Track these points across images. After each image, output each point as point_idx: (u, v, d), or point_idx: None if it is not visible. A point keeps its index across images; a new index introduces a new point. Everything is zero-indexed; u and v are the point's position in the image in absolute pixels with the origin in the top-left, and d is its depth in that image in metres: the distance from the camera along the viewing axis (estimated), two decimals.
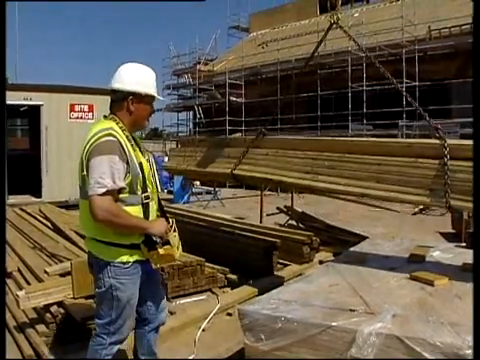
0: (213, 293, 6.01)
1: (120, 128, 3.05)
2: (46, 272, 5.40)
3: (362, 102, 20.58)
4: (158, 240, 3.04)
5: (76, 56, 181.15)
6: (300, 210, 10.26)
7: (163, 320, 3.53)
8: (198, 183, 20.70)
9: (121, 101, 3.10)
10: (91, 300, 4.35)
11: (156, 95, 3.21)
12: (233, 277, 6.44)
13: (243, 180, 5.54)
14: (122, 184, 2.92)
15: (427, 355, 2.60)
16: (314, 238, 7.26)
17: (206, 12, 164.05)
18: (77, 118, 15.24)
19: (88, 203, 2.89)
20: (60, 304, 4.55)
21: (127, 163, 2.96)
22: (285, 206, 10.73)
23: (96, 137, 2.95)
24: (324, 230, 8.85)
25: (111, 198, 2.87)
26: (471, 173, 3.47)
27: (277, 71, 24.16)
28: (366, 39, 20.63)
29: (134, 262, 3.05)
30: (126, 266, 3.02)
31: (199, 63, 28.49)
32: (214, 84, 27.46)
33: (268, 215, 11.13)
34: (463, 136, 18.00)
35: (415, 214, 13.17)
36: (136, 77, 3.10)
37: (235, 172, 5.36)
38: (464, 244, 5.88)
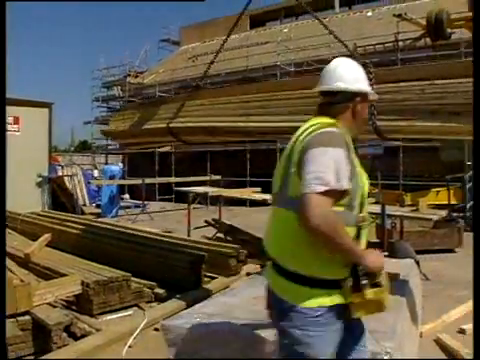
0: (140, 308, 5.92)
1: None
2: None
3: None
4: (365, 279, 2.19)
5: None
6: (228, 223, 10.28)
7: None
8: (127, 196, 20.43)
9: (344, 103, 2.53)
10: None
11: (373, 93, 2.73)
12: (160, 291, 6.36)
13: (179, 134, 5.46)
14: (348, 186, 2.18)
15: None
16: (241, 250, 7.29)
17: (137, 24, 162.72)
18: None
19: (289, 213, 2.23)
20: None
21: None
22: (213, 219, 10.73)
23: (315, 127, 2.36)
24: (252, 242, 8.89)
25: (331, 202, 2.13)
26: (394, 93, 3.78)
27: (207, 85, 24.25)
28: (294, 54, 21.15)
29: (330, 307, 2.21)
30: (319, 313, 2.19)
31: (129, 75, 28.19)
32: (144, 97, 27.26)
33: (196, 228, 11.09)
34: (387, 148, 18.77)
35: None
36: (358, 74, 2.61)
37: (171, 125, 5.34)
38: (386, 253, 6.08)
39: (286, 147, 2.51)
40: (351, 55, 3.94)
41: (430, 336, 4.92)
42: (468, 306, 5.83)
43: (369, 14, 25.80)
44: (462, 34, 17.26)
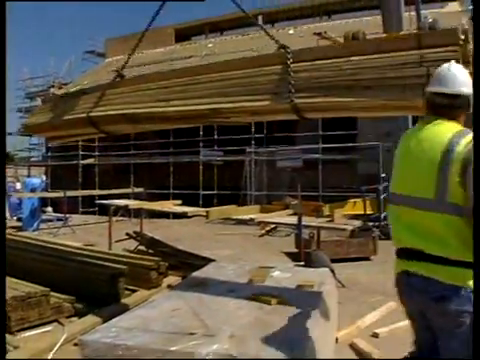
0: (60, 324, 5.79)
1: None
2: None
3: (213, 129, 21.14)
4: None
5: None
6: (149, 235, 10.24)
7: None
8: (50, 209, 19.86)
9: (465, 108, 2.67)
10: None
11: None
12: (80, 306, 6.25)
13: (100, 124, 5.34)
14: None
15: None
16: (161, 263, 7.29)
17: (63, 34, 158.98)
18: None
19: (453, 217, 2.45)
20: None
21: None
22: (134, 232, 10.66)
23: (465, 139, 2.46)
24: (173, 254, 8.90)
25: None
26: (312, 71, 3.86)
27: None
28: None
29: None
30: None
31: (53, 86, 27.47)
32: None
33: (118, 241, 10.96)
34: (306, 161, 19.27)
35: (262, 236, 13.67)
36: (471, 81, 2.66)
37: (91, 115, 5.20)
38: (302, 263, 6.26)
39: (419, 149, 2.65)
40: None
41: (345, 341, 5.08)
42: (381, 311, 6.10)
43: (291, 32, 26.51)
44: None
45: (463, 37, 3.26)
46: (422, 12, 16.99)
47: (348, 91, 3.65)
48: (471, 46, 3.18)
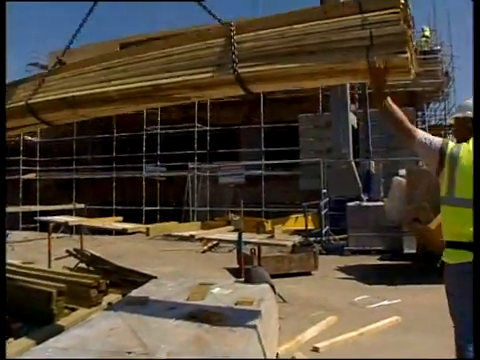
0: None
1: None
2: None
3: (156, 144, 21.08)
4: None
5: None
6: (90, 252, 10.06)
7: None
8: None
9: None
10: None
11: None
12: (17, 326, 6.09)
13: (39, 112, 5.10)
14: None
15: None
16: (102, 281, 7.16)
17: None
18: None
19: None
20: None
21: None
22: (75, 249, 10.44)
23: None
24: (114, 272, 8.77)
25: None
26: (255, 40, 3.84)
27: None
28: None
29: None
30: None
31: None
32: None
33: (58, 259, 10.72)
34: (249, 177, 19.44)
35: (204, 252, 13.66)
36: None
37: (30, 102, 5.02)
38: (243, 279, 6.28)
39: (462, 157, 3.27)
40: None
41: (286, 356, 5.10)
42: (322, 325, 6.20)
43: None
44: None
45: (403, 1, 3.38)
46: None
47: (292, 57, 3.64)
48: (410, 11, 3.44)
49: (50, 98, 4.95)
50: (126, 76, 4.47)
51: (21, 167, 23.27)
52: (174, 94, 4.29)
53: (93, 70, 4.79)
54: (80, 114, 5.21)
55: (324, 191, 14.86)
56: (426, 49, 23.00)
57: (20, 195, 22.68)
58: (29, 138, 24.26)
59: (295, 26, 3.70)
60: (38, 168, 23.64)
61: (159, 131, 21.12)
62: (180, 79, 4.12)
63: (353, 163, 16.33)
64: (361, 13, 3.48)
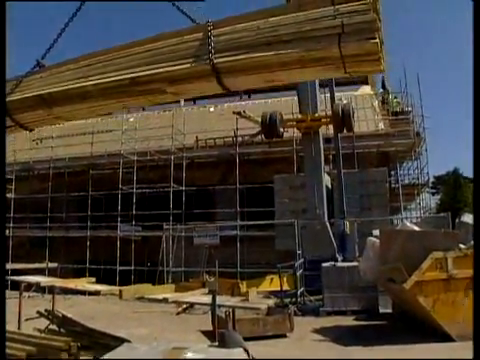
0: None
1: None
2: None
3: (132, 204, 21.08)
4: None
5: None
6: (61, 313, 9.86)
7: None
8: None
9: None
10: None
11: None
12: None
13: (14, 112, 4.93)
14: None
15: None
16: (72, 344, 7.04)
17: None
18: None
19: None
20: None
21: None
22: (46, 310, 10.22)
23: None
24: (85, 334, 8.59)
25: None
26: (232, 33, 3.96)
27: (50, 168, 23.79)
28: (139, 144, 21.60)
29: None
30: None
31: None
32: None
33: (28, 319, 10.48)
34: (224, 237, 19.46)
35: (179, 314, 13.47)
36: None
37: (7, 100, 4.91)
38: (216, 343, 6.22)
39: None
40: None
41: None
42: None
43: (212, 109, 27.25)
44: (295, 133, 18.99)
45: None
46: (336, 94, 18.07)
47: (267, 47, 3.81)
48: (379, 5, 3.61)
49: (26, 95, 4.92)
50: (105, 71, 4.52)
51: None
52: (151, 87, 4.36)
53: (70, 68, 4.79)
54: (56, 115, 5.11)
55: (299, 252, 14.90)
56: (398, 110, 23.84)
57: None
58: None
59: (270, 19, 3.90)
60: (12, 225, 23.34)
61: (135, 190, 21.18)
62: (157, 71, 4.24)
63: (328, 223, 16.47)
64: (333, 5, 3.70)
